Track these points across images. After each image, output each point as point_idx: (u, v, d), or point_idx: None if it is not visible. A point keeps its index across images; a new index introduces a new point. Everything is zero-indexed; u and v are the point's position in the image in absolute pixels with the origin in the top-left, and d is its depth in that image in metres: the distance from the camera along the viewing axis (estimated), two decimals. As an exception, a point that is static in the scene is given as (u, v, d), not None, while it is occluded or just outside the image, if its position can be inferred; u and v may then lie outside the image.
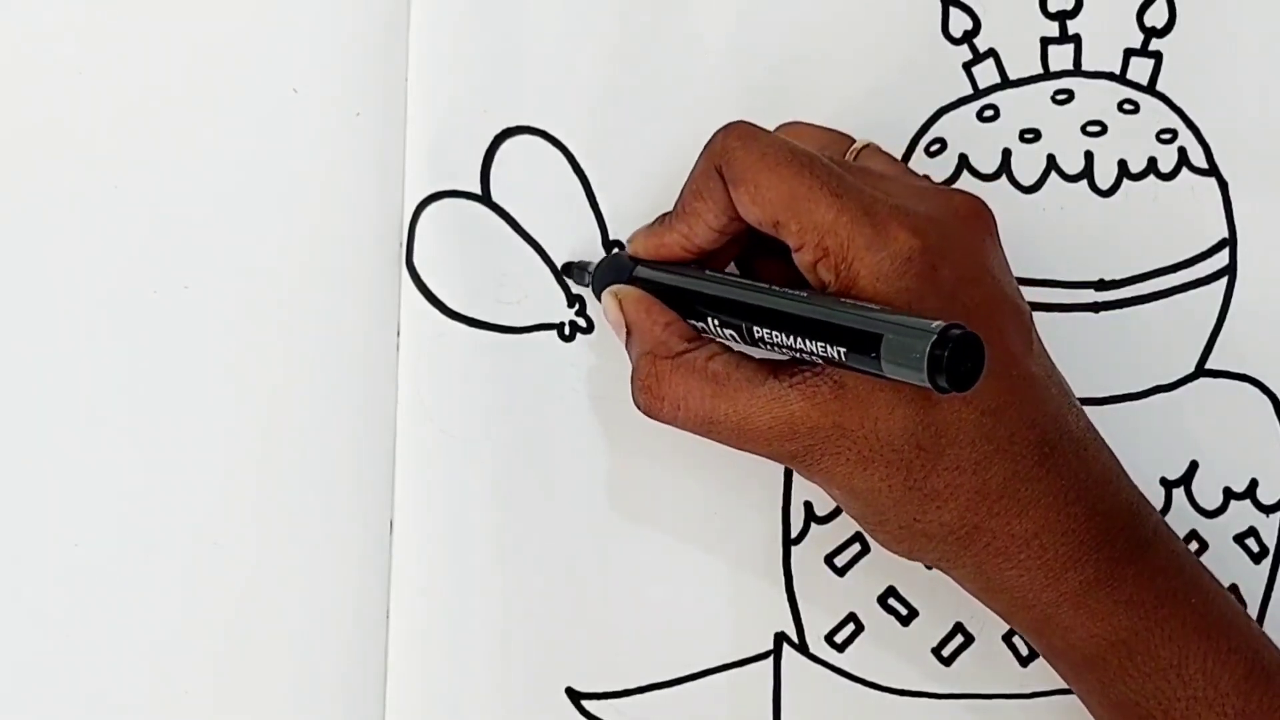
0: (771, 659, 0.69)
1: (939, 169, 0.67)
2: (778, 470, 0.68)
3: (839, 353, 0.55)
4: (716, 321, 0.60)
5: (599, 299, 0.64)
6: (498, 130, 0.65)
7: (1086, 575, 0.59)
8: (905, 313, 0.55)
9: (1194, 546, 0.70)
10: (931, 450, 0.58)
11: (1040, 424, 0.59)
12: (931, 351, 0.52)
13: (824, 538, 0.68)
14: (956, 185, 0.67)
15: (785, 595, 0.68)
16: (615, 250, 0.65)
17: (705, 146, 0.61)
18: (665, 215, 0.63)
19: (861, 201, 0.58)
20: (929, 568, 0.63)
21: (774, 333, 0.58)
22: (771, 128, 0.65)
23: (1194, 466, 0.69)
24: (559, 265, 0.66)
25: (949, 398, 0.57)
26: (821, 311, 0.56)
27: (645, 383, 0.61)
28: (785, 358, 0.59)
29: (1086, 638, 0.60)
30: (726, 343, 0.61)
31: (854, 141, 0.65)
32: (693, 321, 0.61)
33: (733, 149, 0.60)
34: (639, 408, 0.61)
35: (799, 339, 0.57)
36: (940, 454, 0.58)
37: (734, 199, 0.60)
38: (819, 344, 0.56)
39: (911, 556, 0.61)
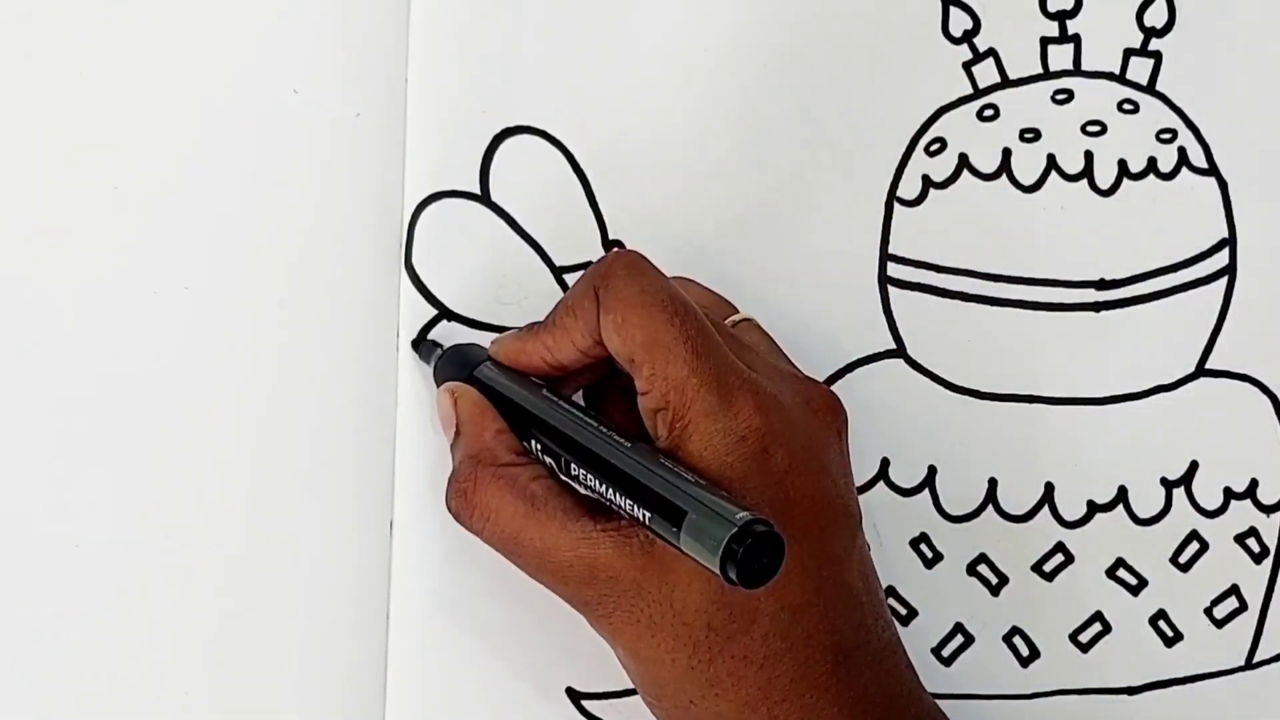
0: (772, 659, 0.69)
1: (939, 169, 0.67)
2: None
3: (644, 515, 0.54)
4: (539, 446, 0.60)
5: (436, 382, 0.63)
6: (497, 130, 0.65)
7: None
8: (721, 493, 0.54)
9: (1195, 547, 0.70)
10: (722, 633, 0.57)
11: (840, 630, 0.58)
12: (729, 542, 0.51)
13: (824, 538, 0.68)
14: (956, 186, 0.67)
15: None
16: (466, 343, 0.64)
17: (591, 267, 0.60)
18: (534, 325, 0.62)
19: (716, 366, 0.57)
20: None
21: (587, 475, 0.57)
22: (774, 127, 0.65)
23: (1194, 466, 0.69)
24: (412, 340, 0.65)
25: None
26: (637, 468, 0.55)
27: (461, 486, 0.59)
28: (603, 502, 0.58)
29: None
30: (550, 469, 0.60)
31: (737, 311, 0.65)
32: (524, 441, 0.61)
33: (614, 276, 0.59)
34: (450, 510, 0.60)
35: (610, 489, 0.56)
36: (730, 639, 0.57)
37: (600, 324, 0.59)
38: (628, 500, 0.55)
39: None
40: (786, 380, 0.60)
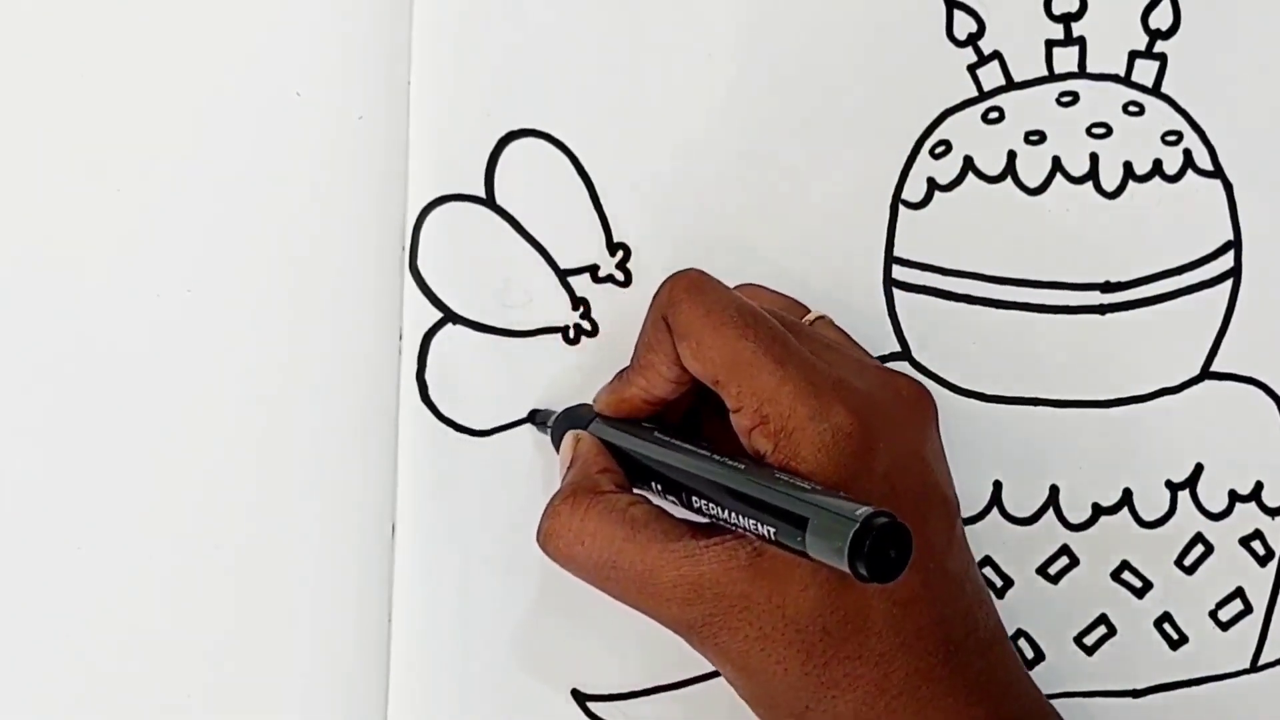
0: (776, 661, 0.69)
1: (944, 171, 0.67)
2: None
3: (769, 531, 0.54)
4: (660, 487, 0.60)
5: (556, 447, 0.63)
6: (501, 133, 0.65)
7: None
8: (837, 494, 0.54)
9: (1199, 549, 0.70)
10: (837, 636, 0.56)
11: (949, 621, 0.58)
12: (855, 538, 0.51)
13: (828, 540, 0.68)
14: (961, 189, 0.67)
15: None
16: (576, 404, 0.65)
17: (654, 296, 0.60)
18: (622, 372, 0.62)
19: (805, 371, 0.57)
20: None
21: (709, 504, 0.57)
22: (778, 129, 0.65)
23: (1199, 469, 0.69)
24: (530, 412, 0.66)
25: (865, 585, 0.53)
26: (754, 487, 0.55)
27: (556, 509, 0.59)
28: (708, 521, 0.58)
29: None
30: (664, 504, 0.59)
31: (809, 310, 0.64)
32: (638, 489, 0.61)
33: (679, 301, 0.59)
34: (538, 535, 0.59)
35: (731, 512, 0.56)
36: (845, 641, 0.56)
37: (679, 352, 0.59)
38: (749, 520, 0.55)
39: None
40: (873, 374, 0.60)
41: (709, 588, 0.56)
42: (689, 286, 0.59)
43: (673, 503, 0.60)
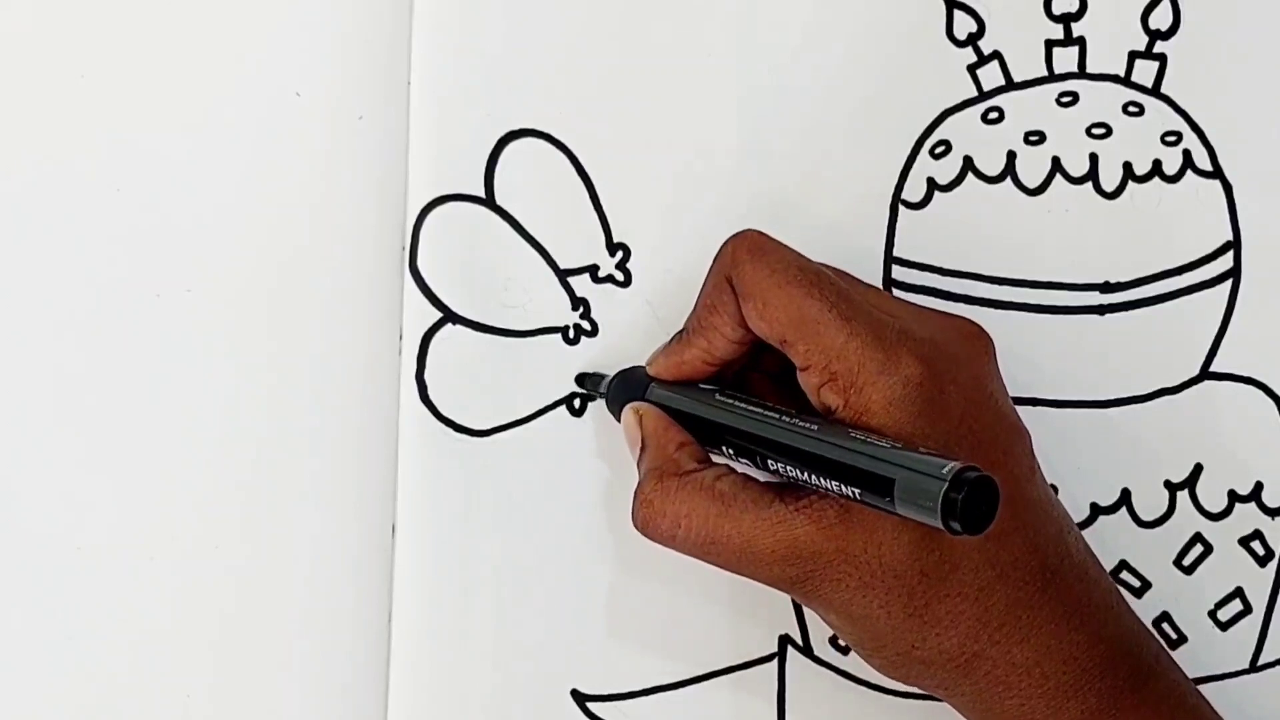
0: (776, 661, 0.69)
1: (944, 171, 0.67)
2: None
3: (853, 492, 0.55)
4: (731, 450, 0.60)
5: (613, 413, 0.64)
6: (501, 133, 0.65)
7: (1089, 705, 0.59)
8: (917, 449, 0.55)
9: (1199, 549, 0.70)
10: (935, 576, 0.57)
11: (1043, 549, 0.59)
12: (946, 495, 0.52)
13: (828, 540, 0.68)
14: (961, 189, 0.67)
15: (790, 598, 0.68)
16: (630, 366, 0.65)
17: (716, 257, 0.61)
18: (680, 333, 0.63)
19: (870, 325, 0.58)
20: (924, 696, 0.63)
21: (787, 466, 0.58)
22: (778, 130, 0.65)
23: (1199, 469, 0.69)
24: (577, 375, 0.66)
25: None
26: (832, 449, 0.56)
27: (648, 497, 0.60)
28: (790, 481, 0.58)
29: None
30: (736, 465, 0.60)
31: None
32: (707, 447, 0.61)
33: (742, 261, 0.59)
34: (636, 523, 0.60)
35: (813, 475, 0.57)
36: (943, 580, 0.57)
37: (743, 312, 0.60)
38: (834, 482, 0.56)
39: (908, 683, 0.60)
40: (931, 319, 0.61)
41: (806, 547, 0.57)
42: (752, 247, 0.60)
43: (745, 464, 0.60)
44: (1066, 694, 0.59)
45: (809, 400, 0.59)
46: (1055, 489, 0.63)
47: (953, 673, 0.59)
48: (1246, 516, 0.70)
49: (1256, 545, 0.70)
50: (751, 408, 0.60)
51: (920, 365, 0.57)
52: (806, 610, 0.68)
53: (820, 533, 0.57)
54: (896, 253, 0.68)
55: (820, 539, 0.57)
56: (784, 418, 0.59)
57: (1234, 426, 0.70)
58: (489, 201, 0.65)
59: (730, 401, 0.61)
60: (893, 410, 0.57)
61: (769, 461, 0.58)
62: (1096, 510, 0.69)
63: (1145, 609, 0.70)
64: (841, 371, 0.58)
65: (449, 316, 0.65)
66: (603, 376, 0.65)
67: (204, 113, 0.63)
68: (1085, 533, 0.63)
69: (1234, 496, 0.70)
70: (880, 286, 0.67)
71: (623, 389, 0.64)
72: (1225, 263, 0.69)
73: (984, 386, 0.60)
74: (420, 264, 0.64)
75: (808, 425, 0.58)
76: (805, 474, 0.57)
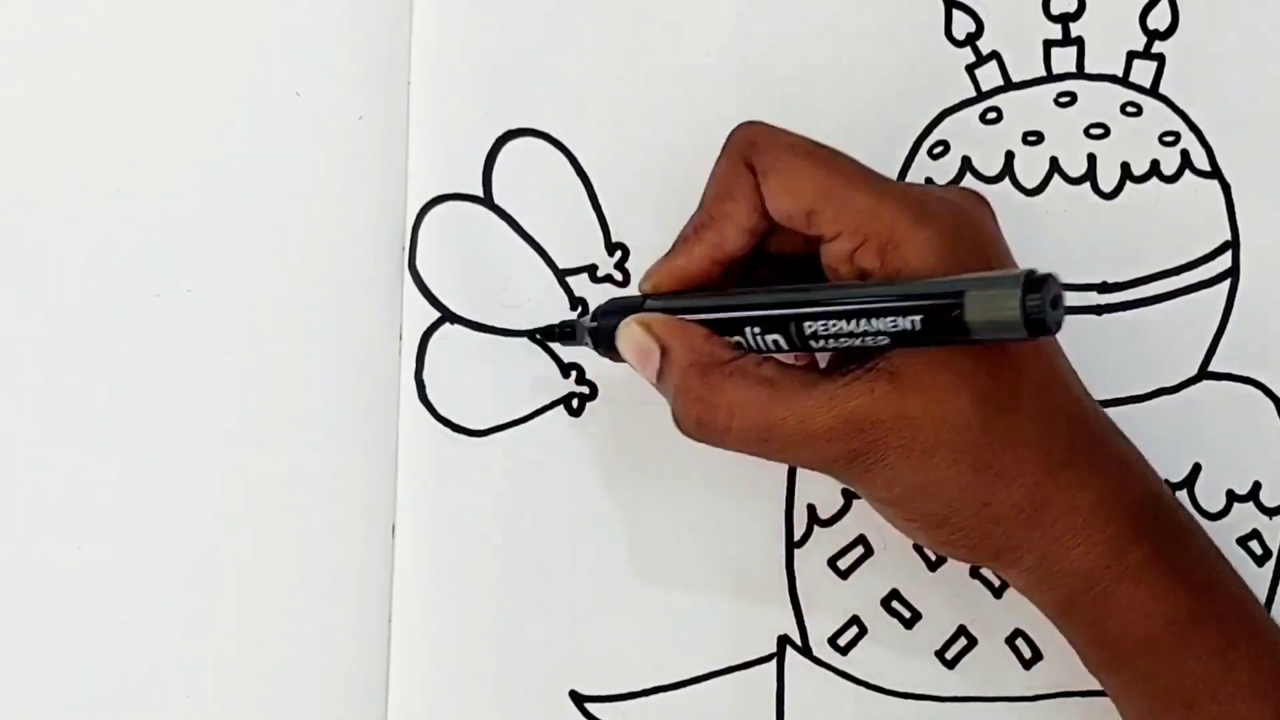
0: (774, 662, 0.69)
1: (942, 171, 0.67)
2: (781, 472, 0.68)
3: (913, 322, 0.54)
4: (757, 329, 0.58)
5: (603, 344, 0.61)
6: (500, 133, 0.65)
7: (1146, 550, 0.59)
8: (973, 270, 0.55)
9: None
10: (996, 426, 0.57)
11: (1082, 398, 0.60)
12: (1026, 295, 0.52)
13: (827, 540, 0.68)
14: (960, 187, 0.67)
15: (788, 598, 0.68)
16: (611, 298, 0.63)
17: (725, 145, 0.60)
18: (680, 239, 0.61)
19: (892, 187, 0.59)
20: (976, 575, 0.63)
21: (831, 323, 0.56)
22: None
23: (1197, 469, 0.69)
24: (538, 330, 0.65)
25: (1005, 372, 0.56)
26: (888, 289, 0.55)
27: (698, 393, 0.58)
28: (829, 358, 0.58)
29: (1144, 617, 0.59)
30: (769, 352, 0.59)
31: None
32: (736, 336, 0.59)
33: (758, 141, 0.59)
34: (686, 425, 0.58)
35: (863, 322, 0.55)
36: (1005, 430, 0.57)
37: (764, 192, 0.59)
38: (889, 321, 0.55)
39: (974, 555, 0.60)
40: (939, 189, 0.62)
41: (865, 418, 0.56)
42: (765, 130, 0.60)
43: (775, 345, 0.58)
44: (1128, 539, 0.59)
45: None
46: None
47: (1022, 525, 0.58)
48: (1245, 516, 0.70)
49: (1254, 545, 0.70)
50: (766, 288, 0.59)
51: (951, 218, 0.58)
52: (805, 610, 0.68)
53: (876, 400, 0.56)
54: (895, 253, 0.67)
55: (878, 406, 0.56)
56: (809, 286, 0.58)
57: (1232, 426, 0.70)
58: (487, 201, 0.65)
59: (748, 290, 0.59)
60: (930, 260, 0.57)
61: (806, 326, 0.57)
62: (1095, 510, 0.69)
63: (1143, 609, 0.70)
64: (875, 231, 0.57)
65: (447, 316, 0.65)
66: (575, 322, 0.63)
67: (204, 113, 0.63)
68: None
69: (1232, 496, 0.70)
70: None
71: (613, 318, 0.61)
72: (1223, 263, 0.69)
73: (999, 240, 0.60)
74: (419, 263, 0.64)
75: (843, 286, 0.57)
76: (854, 323, 0.56)
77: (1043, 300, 0.52)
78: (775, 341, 0.58)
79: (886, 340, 0.56)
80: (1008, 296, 0.52)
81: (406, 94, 0.64)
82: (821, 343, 0.57)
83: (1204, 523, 0.68)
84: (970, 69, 0.67)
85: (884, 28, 0.67)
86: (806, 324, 0.57)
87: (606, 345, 0.61)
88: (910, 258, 0.57)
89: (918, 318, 0.54)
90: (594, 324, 0.62)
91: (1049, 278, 0.53)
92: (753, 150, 0.59)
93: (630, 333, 0.60)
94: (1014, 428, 0.57)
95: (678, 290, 0.61)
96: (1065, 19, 0.67)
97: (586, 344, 0.63)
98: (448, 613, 0.66)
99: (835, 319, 0.56)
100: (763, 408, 0.57)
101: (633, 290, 0.65)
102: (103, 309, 0.63)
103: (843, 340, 0.57)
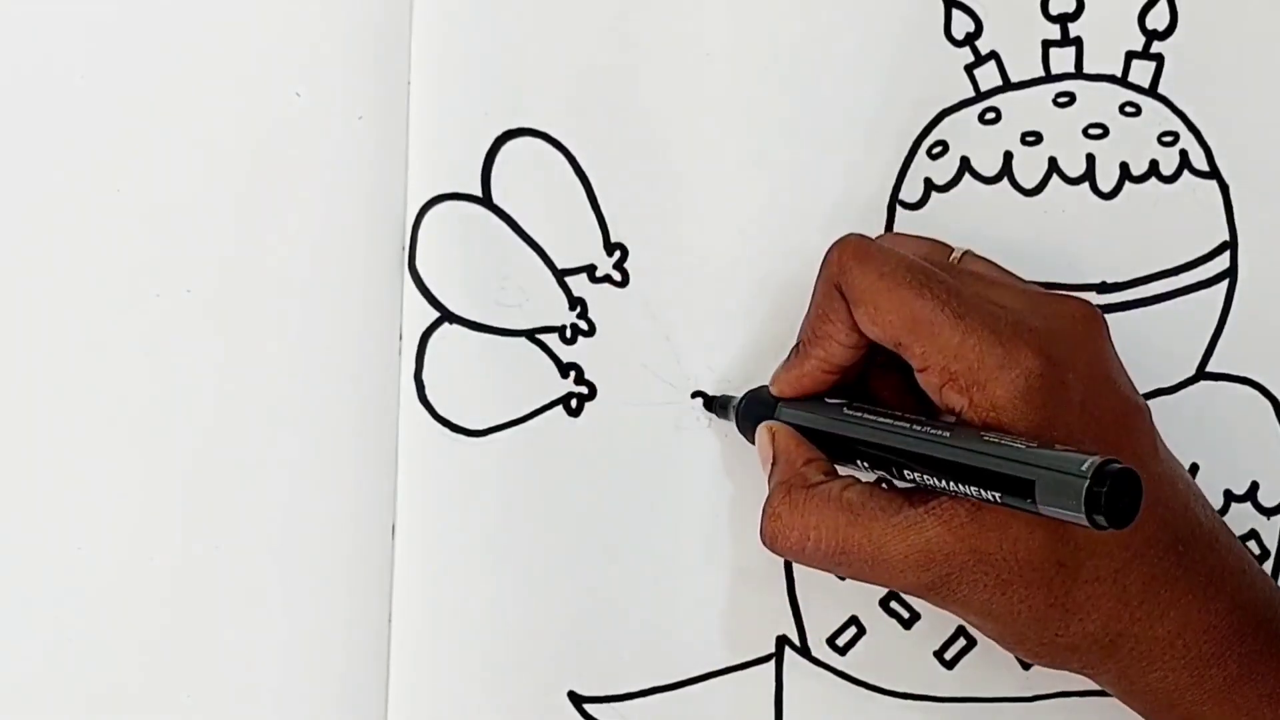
0: (773, 662, 0.69)
1: (941, 172, 0.67)
2: (779, 473, 0.68)
3: (994, 496, 0.55)
4: (866, 463, 0.60)
5: (744, 433, 0.64)
6: (499, 133, 0.65)
7: (1229, 671, 0.59)
8: (1052, 446, 0.55)
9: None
10: (1071, 565, 0.57)
11: (1173, 523, 0.59)
12: (1089, 491, 0.52)
13: (826, 540, 0.68)
14: (958, 189, 0.67)
15: (787, 598, 0.68)
16: (756, 387, 0.65)
17: (822, 265, 0.61)
18: (795, 348, 0.63)
19: (985, 320, 0.58)
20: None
21: (924, 476, 0.57)
22: (776, 130, 0.65)
23: (1195, 469, 0.69)
24: (705, 399, 0.67)
25: None
26: (970, 456, 0.56)
27: (776, 510, 0.60)
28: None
29: None
30: (866, 477, 0.60)
31: (953, 250, 0.65)
32: (840, 464, 0.61)
33: (849, 268, 0.59)
34: (764, 538, 0.60)
35: (950, 482, 0.57)
36: (1079, 567, 0.58)
37: (855, 318, 0.60)
38: (972, 488, 0.56)
39: (1054, 666, 0.60)
40: (1043, 303, 0.61)
41: (938, 551, 0.57)
42: (857, 251, 0.60)
43: (880, 476, 0.60)
44: (1208, 663, 0.59)
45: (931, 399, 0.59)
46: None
47: (1097, 654, 0.59)
48: (1243, 516, 0.70)
49: (1253, 544, 0.70)
50: (881, 419, 0.60)
51: (1039, 357, 0.57)
52: (804, 610, 0.68)
53: (951, 534, 0.57)
54: (894, 253, 0.68)
55: (952, 540, 0.57)
56: (915, 426, 0.58)
57: (1230, 426, 0.70)
58: (486, 201, 0.65)
59: (859, 415, 0.61)
60: (1018, 404, 0.57)
61: (905, 471, 0.58)
62: (1093, 510, 0.69)
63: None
64: (961, 371, 0.57)
65: (446, 316, 0.65)
66: (730, 399, 0.66)
67: (204, 112, 0.63)
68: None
69: (1230, 496, 0.70)
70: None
71: (752, 409, 0.64)
72: (1222, 263, 0.69)
73: (1102, 369, 0.60)
74: (419, 263, 0.64)
75: (939, 432, 0.57)
76: (943, 481, 0.57)
77: (1105, 495, 0.52)
78: (881, 476, 0.60)
79: (970, 497, 0.57)
80: (1073, 492, 0.52)
81: (406, 94, 0.64)
82: (920, 485, 0.58)
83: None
84: (969, 69, 0.67)
85: (884, 28, 0.67)
86: (907, 471, 0.58)
87: (744, 429, 0.65)
88: (998, 400, 0.57)
89: (996, 494, 0.55)
90: (736, 411, 0.65)
91: (1118, 474, 0.52)
92: (843, 276, 0.60)
93: (760, 437, 0.63)
94: (1089, 565, 0.58)
95: (803, 394, 0.63)
96: (1064, 19, 0.67)
97: (730, 420, 0.66)
98: (447, 613, 0.65)
99: (930, 474, 0.57)
100: (839, 531, 0.58)
101: (633, 291, 0.65)
102: (102, 309, 0.63)
103: (936, 487, 0.58)
